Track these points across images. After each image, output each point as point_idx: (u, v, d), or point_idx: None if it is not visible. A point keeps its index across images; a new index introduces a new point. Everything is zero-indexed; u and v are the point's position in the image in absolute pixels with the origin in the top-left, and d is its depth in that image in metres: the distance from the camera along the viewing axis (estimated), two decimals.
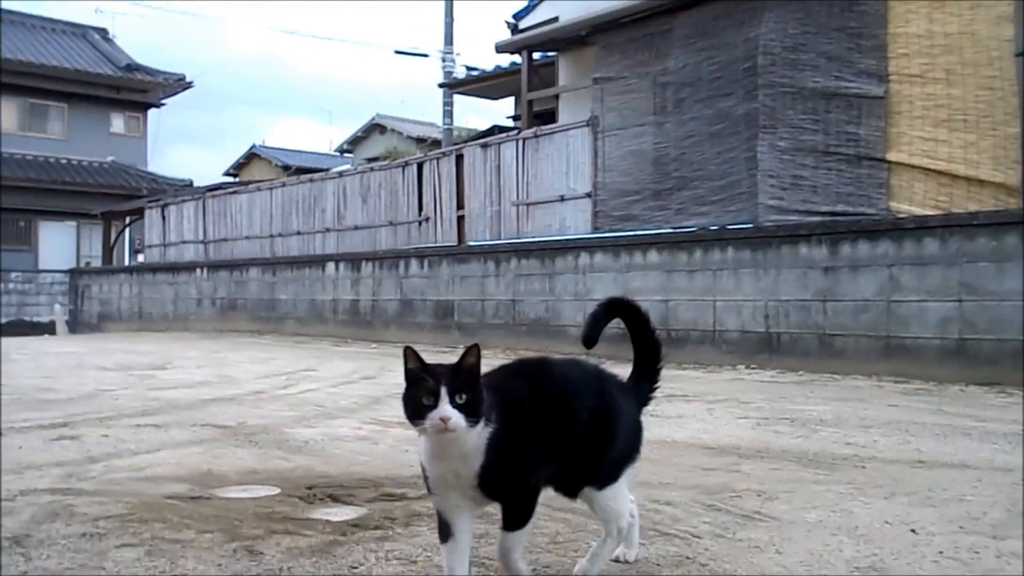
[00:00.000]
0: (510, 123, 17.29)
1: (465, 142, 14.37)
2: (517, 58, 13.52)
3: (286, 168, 31.24)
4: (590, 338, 2.15)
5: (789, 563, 2.21)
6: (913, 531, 2.50)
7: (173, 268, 17.78)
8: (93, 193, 24.60)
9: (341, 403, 5.65)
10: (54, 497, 2.90)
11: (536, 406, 1.84)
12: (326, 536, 2.43)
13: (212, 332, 15.68)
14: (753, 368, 8.14)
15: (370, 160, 20.02)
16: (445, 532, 1.83)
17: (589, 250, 10.02)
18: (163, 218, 18.99)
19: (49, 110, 26.12)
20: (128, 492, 2.98)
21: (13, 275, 23.32)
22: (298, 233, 15.63)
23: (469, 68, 18.50)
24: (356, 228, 14.45)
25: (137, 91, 27.31)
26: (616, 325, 2.24)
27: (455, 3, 20.25)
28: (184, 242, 18.32)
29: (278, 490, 3.04)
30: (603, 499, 1.97)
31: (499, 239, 11.83)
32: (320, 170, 18.25)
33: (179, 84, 27.64)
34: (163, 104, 28.59)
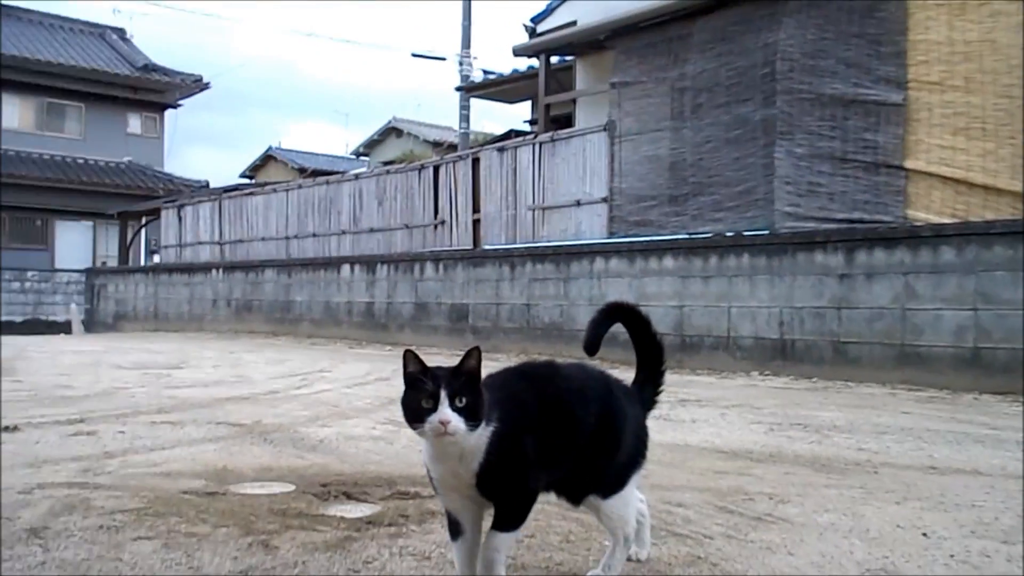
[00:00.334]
0: (527, 127, 17.31)
1: (481, 146, 14.40)
2: (535, 62, 13.54)
3: (302, 170, 31.38)
4: (592, 344, 2.14)
5: (800, 564, 2.21)
6: (925, 535, 2.50)
7: (189, 269, 17.88)
8: (110, 193, 24.76)
9: (355, 403, 5.68)
10: (71, 491, 2.93)
11: (540, 410, 1.82)
12: (341, 532, 2.45)
13: (227, 333, 15.76)
14: (767, 375, 8.12)
15: (386, 163, 20.11)
16: (455, 530, 1.83)
17: (604, 255, 10.02)
18: (179, 219, 19.10)
19: (66, 109, 26.32)
20: (144, 487, 3.01)
21: (30, 274, 23.52)
22: (314, 235, 15.70)
23: (486, 72, 18.55)
24: (372, 231, 14.50)
25: (154, 91, 27.49)
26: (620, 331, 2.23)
27: (473, 6, 20.31)
28: (200, 243, 18.42)
29: (293, 487, 3.07)
30: (608, 507, 1.96)
31: (514, 243, 11.84)
32: (336, 173, 18.32)
33: (196, 85, 27.81)
34: (180, 105, 28.78)
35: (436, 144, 29.44)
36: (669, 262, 9.28)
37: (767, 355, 8.36)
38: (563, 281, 10.43)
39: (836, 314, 7.87)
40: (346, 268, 14.02)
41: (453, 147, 21.11)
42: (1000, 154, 7.63)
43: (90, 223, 25.65)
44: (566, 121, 13.24)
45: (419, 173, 13.74)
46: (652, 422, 4.91)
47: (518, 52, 13.12)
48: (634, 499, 2.06)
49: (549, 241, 11.35)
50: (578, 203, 11.22)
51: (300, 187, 16.59)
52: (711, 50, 9.75)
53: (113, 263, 23.62)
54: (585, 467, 1.91)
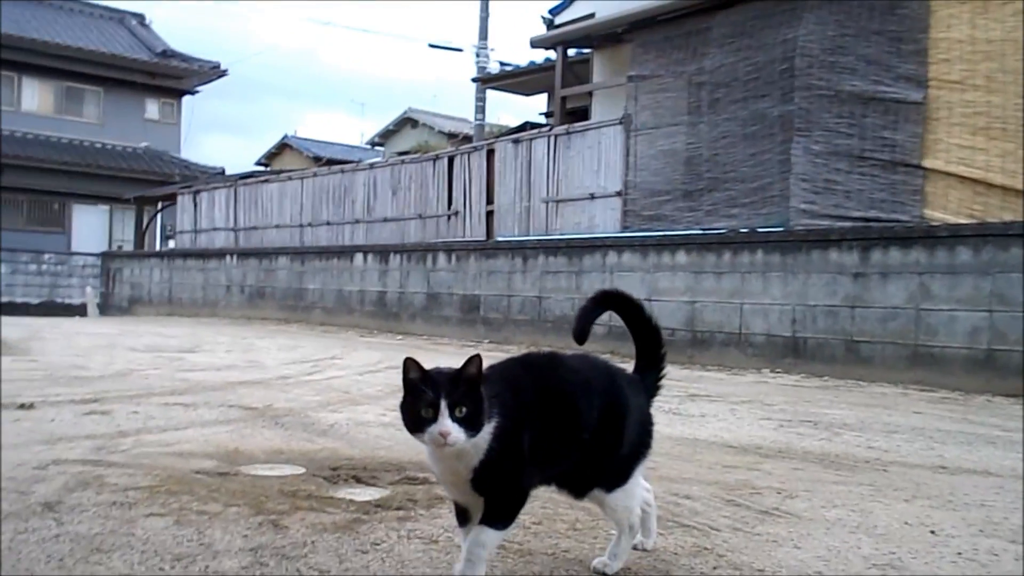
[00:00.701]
0: (542, 120, 17.29)
1: (497, 137, 14.40)
2: (552, 54, 13.53)
3: (317, 159, 31.42)
4: (581, 333, 2.10)
5: (807, 558, 2.22)
6: (933, 532, 2.50)
7: (203, 254, 17.96)
8: (126, 178, 24.89)
9: (366, 390, 5.70)
10: (85, 467, 2.96)
11: (542, 404, 1.80)
12: (349, 514, 2.47)
13: (240, 319, 15.83)
14: (778, 372, 8.11)
15: (401, 154, 20.12)
16: (462, 517, 1.83)
17: (617, 249, 10.02)
18: (195, 204, 19.18)
19: (85, 94, 26.45)
20: (157, 466, 3.04)
21: (46, 256, 23.68)
22: (328, 223, 15.74)
23: (503, 63, 18.55)
24: (385, 220, 14.53)
25: (172, 77, 27.59)
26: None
27: None
28: (215, 229, 18.50)
29: (303, 470, 3.09)
30: (612, 500, 1.95)
31: (528, 235, 11.85)
32: (351, 162, 18.36)
33: (213, 72, 27.88)
34: (197, 91, 28.87)
35: (451, 135, 29.41)
36: (682, 257, 9.26)
37: (779, 352, 8.35)
38: (575, 274, 10.43)
39: (849, 313, 7.85)
40: (359, 257, 14.06)
41: (468, 138, 21.10)
42: (1020, 155, 7.58)
43: (106, 207, 25.79)
44: (582, 114, 13.23)
45: (434, 163, 13.75)
46: (661, 416, 4.92)
47: (535, 44, 13.10)
48: (639, 490, 2.04)
49: (562, 234, 11.35)
50: (592, 196, 11.21)
51: (315, 175, 16.63)
52: (730, 45, 9.71)
53: (129, 247, 23.76)
54: (589, 461, 1.89)
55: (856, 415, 5.24)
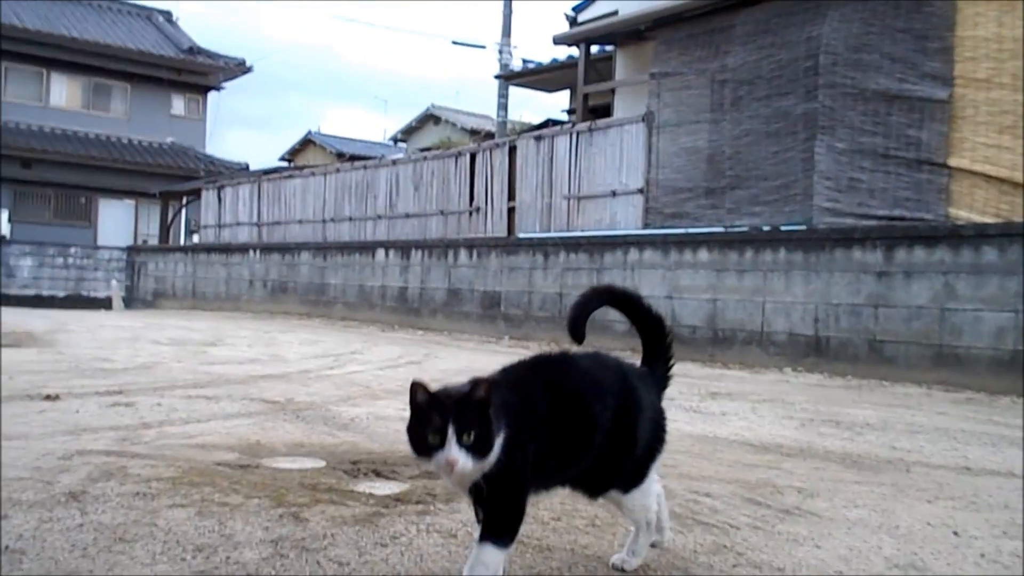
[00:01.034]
0: (564, 117, 17.27)
1: (519, 134, 14.39)
2: (574, 51, 13.50)
3: (340, 155, 31.55)
4: (576, 330, 2.06)
5: (827, 557, 2.21)
6: (955, 533, 2.48)
7: (227, 249, 18.08)
8: (152, 173, 25.09)
9: (386, 385, 5.73)
10: (109, 458, 3.00)
11: (554, 410, 1.76)
12: (369, 508, 2.48)
13: (262, 313, 15.93)
14: (800, 371, 8.06)
15: (423, 150, 20.17)
16: (479, 513, 1.79)
17: (639, 246, 9.99)
18: (219, 200, 19.30)
19: (112, 90, 26.66)
20: (180, 457, 3.07)
21: (72, 250, 23.88)
22: (350, 219, 15.80)
23: (526, 61, 18.52)
24: (407, 216, 14.56)
25: (198, 74, 27.75)
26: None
27: None
28: (238, 224, 18.61)
29: (324, 463, 3.11)
30: (630, 500, 1.93)
31: (549, 232, 11.84)
32: (373, 158, 18.41)
33: (239, 68, 28.02)
34: (223, 88, 29.03)
35: (473, 132, 29.44)
36: (704, 255, 9.23)
37: (801, 351, 8.30)
38: (596, 271, 10.41)
39: (873, 312, 7.79)
40: (381, 252, 14.10)
41: (490, 135, 21.13)
42: None
43: (132, 202, 26.00)
44: (604, 111, 13.19)
45: (456, 160, 13.76)
46: (681, 414, 4.91)
47: (558, 41, 13.08)
48: (655, 487, 2.02)
49: (584, 231, 11.33)
50: (614, 193, 11.18)
51: (338, 171, 16.69)
52: (753, 42, 9.65)
53: (154, 242, 23.95)
54: (604, 462, 1.86)
55: (879, 415, 5.21)
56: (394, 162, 15.55)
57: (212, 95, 28.95)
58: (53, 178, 24.42)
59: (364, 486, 2.77)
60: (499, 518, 1.72)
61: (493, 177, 12.98)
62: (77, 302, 21.95)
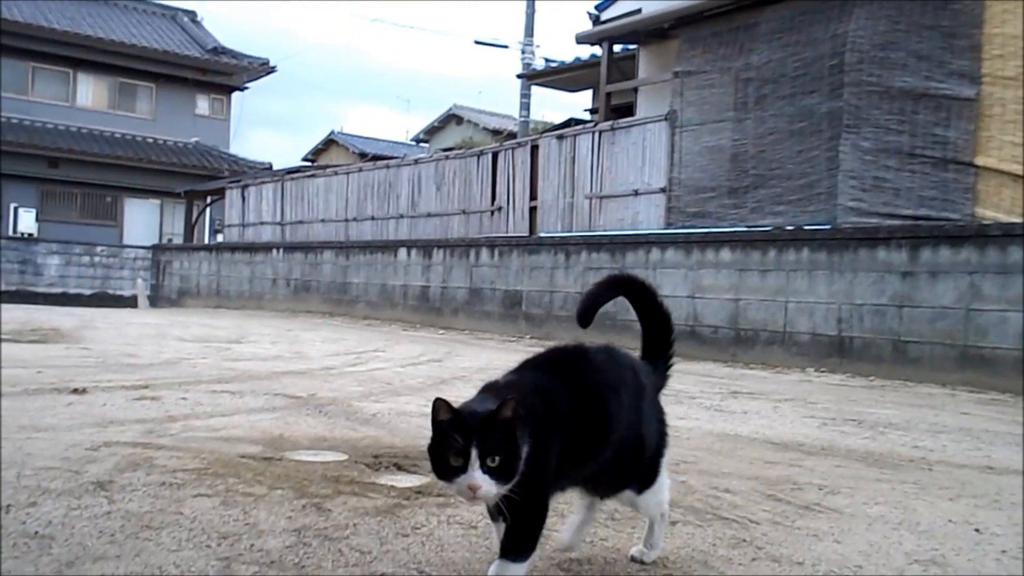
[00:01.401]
0: (587, 116, 17.26)
1: (541, 133, 14.40)
2: (597, 50, 13.50)
3: (363, 155, 31.69)
4: (586, 316, 2.03)
5: (847, 552, 2.21)
6: (977, 531, 2.47)
7: (251, 248, 18.22)
8: (177, 172, 25.35)
9: (408, 382, 5.76)
10: (135, 449, 3.04)
11: (573, 410, 1.70)
12: (391, 500, 2.50)
13: (286, 312, 16.04)
14: (822, 371, 8.02)
15: (445, 150, 20.24)
16: (493, 513, 1.74)
17: (661, 246, 9.97)
18: (243, 199, 19.46)
19: (138, 90, 26.94)
20: (204, 449, 3.11)
21: (99, 249, 24.18)
22: (372, 218, 15.87)
23: (548, 60, 18.54)
24: (429, 215, 14.62)
25: (222, 74, 27.99)
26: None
27: None
28: (262, 223, 18.76)
29: (346, 456, 3.14)
30: (645, 500, 1.92)
31: (571, 231, 11.85)
32: (396, 158, 18.49)
33: (263, 68, 28.23)
34: (247, 88, 29.27)
35: (496, 132, 29.49)
36: (726, 254, 9.20)
37: (824, 352, 8.25)
38: (618, 271, 10.38)
39: (897, 312, 7.74)
40: (403, 252, 14.16)
41: (513, 135, 21.15)
42: None
43: (157, 201, 26.27)
44: (627, 111, 13.18)
45: (478, 159, 13.80)
46: (702, 412, 4.92)
47: (581, 39, 13.08)
48: (667, 481, 1.99)
49: (605, 230, 11.33)
50: (636, 193, 11.17)
51: (360, 170, 16.78)
52: (778, 40, 9.61)
53: (179, 241, 24.18)
54: (621, 462, 1.83)
55: (902, 415, 5.18)
56: (416, 161, 15.61)
57: (236, 95, 29.23)
58: (80, 177, 24.74)
59: (386, 479, 2.79)
60: (521, 534, 1.65)
61: (515, 176, 13.00)
62: (103, 300, 22.22)
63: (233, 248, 18.88)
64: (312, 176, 18.05)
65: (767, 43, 9.72)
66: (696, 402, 5.36)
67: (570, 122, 15.98)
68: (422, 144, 34.97)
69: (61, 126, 25.01)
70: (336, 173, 17.34)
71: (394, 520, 2.28)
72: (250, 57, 28.06)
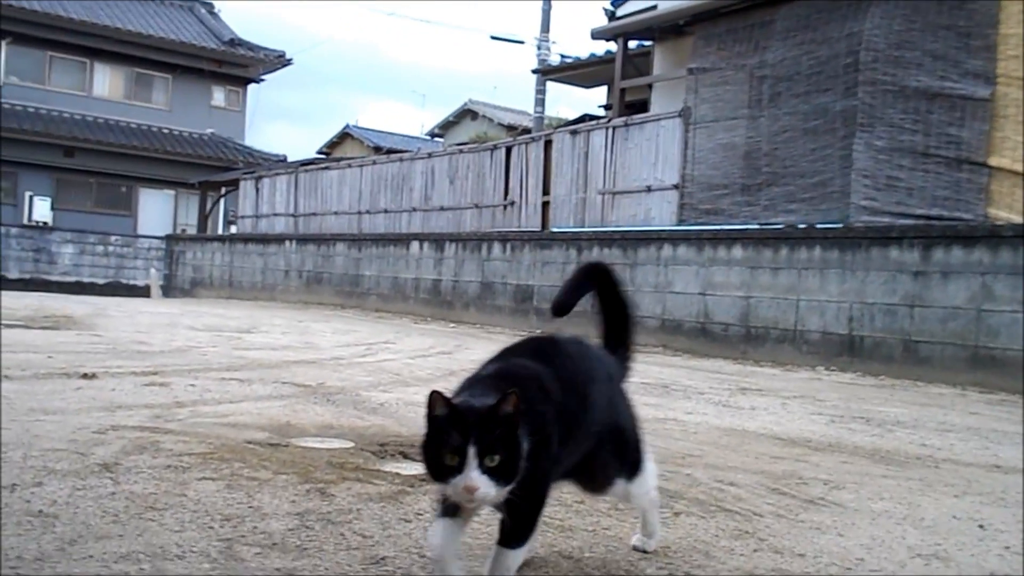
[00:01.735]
0: (601, 112, 17.23)
1: (555, 129, 14.39)
2: (612, 46, 13.48)
3: (377, 149, 31.69)
4: (566, 305, 1.95)
5: (850, 545, 2.20)
6: (981, 527, 2.47)
7: (264, 239, 18.28)
8: (192, 163, 25.42)
9: (417, 373, 5.77)
10: (142, 433, 3.06)
11: (564, 397, 1.63)
12: (395, 486, 2.51)
13: (297, 303, 16.09)
14: (832, 370, 8.00)
15: (460, 145, 20.23)
16: (450, 510, 1.54)
17: (673, 242, 9.95)
18: (257, 190, 19.51)
19: (154, 80, 27.03)
20: (211, 435, 3.12)
21: (113, 238, 24.29)
22: (385, 211, 15.90)
23: (563, 56, 18.51)
24: (442, 209, 14.63)
25: (238, 66, 28.04)
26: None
27: None
28: (275, 214, 18.80)
29: (352, 444, 3.15)
30: (636, 488, 1.87)
31: (583, 226, 11.84)
32: (410, 151, 18.50)
33: (279, 61, 28.28)
34: (263, 80, 29.31)
35: (510, 128, 29.47)
36: (738, 252, 9.17)
37: (834, 350, 8.23)
38: (630, 267, 10.39)
39: (908, 312, 7.70)
40: (415, 245, 14.18)
41: (527, 131, 21.14)
42: None
43: (172, 192, 26.36)
44: (641, 107, 13.15)
45: (491, 153, 13.80)
46: (710, 408, 4.92)
47: (596, 35, 13.07)
48: (653, 467, 1.94)
49: (618, 226, 11.31)
50: (649, 189, 11.15)
51: (374, 163, 16.81)
52: (793, 38, 9.57)
53: (192, 231, 24.27)
54: (605, 453, 1.77)
55: (911, 413, 5.16)
56: (430, 155, 15.63)
57: (252, 87, 29.27)
58: (95, 167, 24.84)
59: (391, 466, 2.80)
60: (520, 527, 1.57)
61: (528, 171, 12.99)
62: (117, 289, 22.33)
63: (246, 239, 18.95)
64: (326, 168, 18.08)
65: (782, 41, 9.68)
66: (704, 398, 5.36)
67: (584, 118, 15.97)
68: (437, 139, 34.97)
69: (77, 115, 25.13)
70: (350, 166, 17.37)
71: (397, 506, 2.29)
72: (266, 49, 28.11)
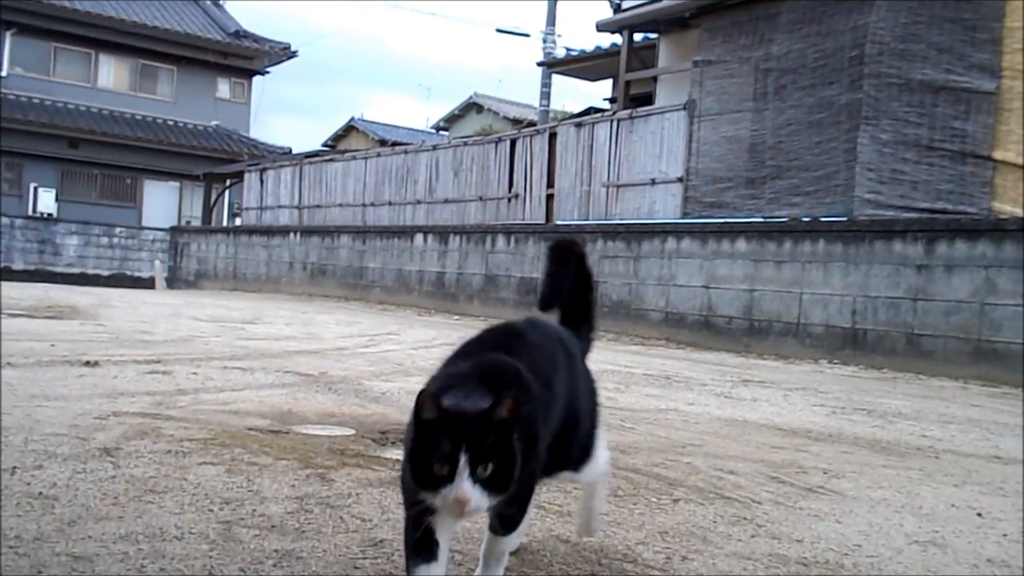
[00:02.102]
0: (606, 106, 17.21)
1: (560, 122, 14.37)
2: (618, 39, 13.44)
3: (383, 142, 31.65)
4: (555, 299, 1.87)
5: (848, 532, 2.21)
6: (979, 515, 2.47)
7: (268, 231, 18.29)
8: (197, 155, 25.42)
9: (419, 363, 5.78)
10: (143, 420, 3.07)
11: (541, 390, 1.50)
12: (395, 472, 2.51)
13: (301, 295, 16.10)
14: (835, 363, 7.99)
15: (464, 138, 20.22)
16: (426, 548, 1.37)
17: (677, 235, 9.94)
18: (261, 182, 19.52)
19: (159, 72, 27.02)
20: (212, 421, 3.14)
21: (118, 230, 24.35)
22: (389, 203, 15.89)
23: (569, 49, 18.47)
24: (446, 201, 14.62)
25: (244, 58, 28.01)
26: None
27: None
28: (280, 206, 18.81)
29: (353, 431, 3.16)
30: (583, 475, 1.72)
31: (587, 219, 11.83)
32: (414, 144, 18.50)
33: (284, 53, 28.24)
34: (268, 72, 29.28)
35: (516, 121, 29.41)
36: (742, 245, 9.16)
37: (837, 343, 8.22)
38: (633, 260, 10.38)
39: (912, 305, 7.69)
40: (419, 237, 14.18)
41: (533, 124, 21.10)
42: None
43: (177, 183, 26.37)
44: (646, 100, 13.11)
45: (496, 146, 13.78)
46: (711, 399, 4.91)
47: (601, 27, 13.04)
48: (605, 453, 1.79)
49: (622, 219, 11.30)
50: (653, 182, 11.13)
51: (379, 155, 16.80)
52: (798, 31, 9.54)
53: (197, 223, 24.29)
54: (562, 441, 1.60)
55: (912, 405, 5.16)
56: (434, 147, 15.61)
57: (257, 79, 29.22)
58: (100, 158, 24.85)
59: (391, 453, 2.81)
60: (513, 518, 1.49)
61: (532, 164, 12.98)
62: (121, 281, 22.39)
63: (251, 231, 18.96)
64: (330, 161, 18.08)
65: (788, 34, 9.66)
66: (706, 389, 5.36)
67: (589, 111, 15.94)
68: (442, 132, 34.93)
69: (82, 107, 25.13)
70: (354, 158, 17.36)
71: (396, 491, 2.28)
72: (271, 41, 28.08)
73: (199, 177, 22.99)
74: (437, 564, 1.37)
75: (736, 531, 2.15)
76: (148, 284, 21.96)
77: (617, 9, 13.96)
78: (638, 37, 13.03)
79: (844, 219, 8.58)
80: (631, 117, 11.58)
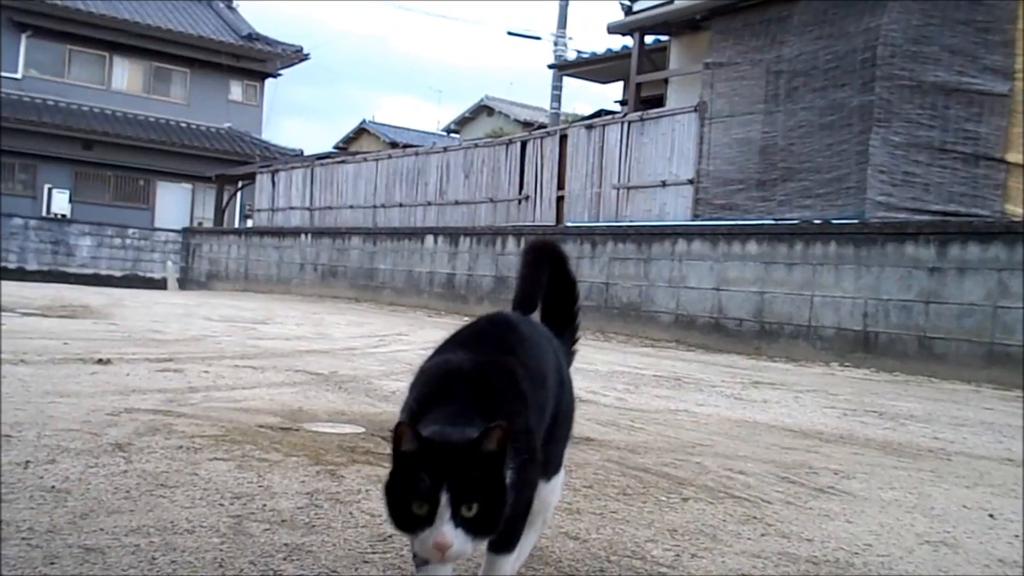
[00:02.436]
0: (617, 108, 17.20)
1: (570, 123, 14.38)
2: (629, 41, 13.44)
3: (394, 144, 31.71)
4: (533, 301, 1.73)
5: (858, 531, 2.20)
6: (991, 516, 2.46)
7: (279, 232, 18.34)
8: (209, 157, 25.51)
9: None
10: (155, 416, 3.09)
11: (533, 390, 1.41)
12: None
13: (312, 296, 16.14)
14: (847, 366, 7.96)
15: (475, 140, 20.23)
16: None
17: (687, 237, 9.93)
18: (273, 184, 19.58)
19: (172, 74, 27.14)
20: (223, 418, 3.15)
21: (130, 231, 24.46)
22: (400, 205, 15.92)
23: (580, 52, 18.49)
24: (457, 203, 14.63)
25: (256, 60, 28.12)
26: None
27: None
28: (291, 208, 18.86)
29: (363, 429, 3.17)
30: (547, 490, 1.54)
31: (597, 221, 11.82)
32: (425, 147, 18.53)
33: (296, 56, 28.34)
34: (280, 75, 29.39)
35: (527, 124, 29.40)
36: (753, 247, 9.14)
37: (848, 346, 8.19)
38: (644, 262, 10.37)
39: (924, 308, 7.66)
40: (430, 239, 14.19)
41: (543, 127, 21.12)
42: None
43: (189, 185, 26.47)
44: (657, 103, 13.10)
45: (506, 148, 13.79)
46: (722, 400, 4.90)
47: (612, 29, 13.03)
48: (563, 475, 1.65)
49: (632, 221, 11.29)
50: (664, 184, 11.12)
51: (390, 157, 16.83)
52: (810, 33, 9.52)
53: (209, 224, 24.38)
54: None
55: (924, 408, 5.14)
56: (445, 149, 15.63)
57: (269, 82, 29.33)
58: (113, 160, 24.97)
59: None
60: (508, 534, 1.34)
61: (543, 165, 12.98)
62: (133, 282, 22.47)
63: (262, 232, 19.02)
64: (342, 162, 18.13)
65: (799, 36, 9.63)
66: (717, 390, 5.35)
67: (600, 113, 15.94)
68: (453, 135, 34.97)
69: (96, 109, 25.26)
70: (365, 160, 17.40)
71: None
72: (284, 44, 28.17)
73: (211, 179, 23.08)
74: (444, 565, 1.28)
75: (746, 530, 2.15)
76: (160, 285, 22.06)
77: (628, 11, 13.97)
78: (649, 39, 13.03)
79: (856, 221, 8.55)
80: (642, 119, 11.57)
